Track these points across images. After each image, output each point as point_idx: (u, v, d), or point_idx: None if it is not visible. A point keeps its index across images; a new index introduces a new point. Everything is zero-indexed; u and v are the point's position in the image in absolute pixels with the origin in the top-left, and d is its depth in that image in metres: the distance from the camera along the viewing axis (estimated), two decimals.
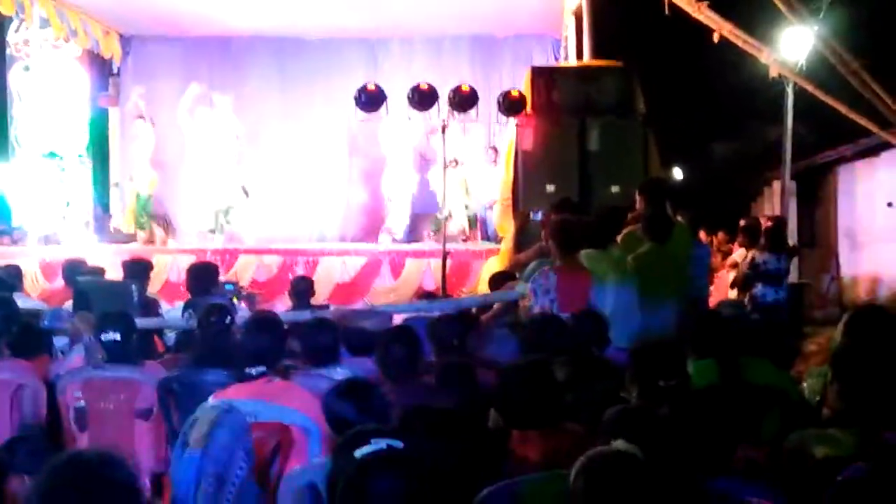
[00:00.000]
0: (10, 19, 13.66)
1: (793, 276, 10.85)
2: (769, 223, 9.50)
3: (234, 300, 8.44)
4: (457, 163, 10.83)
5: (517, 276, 7.28)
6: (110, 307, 6.14)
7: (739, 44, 13.02)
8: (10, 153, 13.86)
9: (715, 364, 4.28)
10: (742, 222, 10.19)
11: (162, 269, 10.59)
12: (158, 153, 14.00)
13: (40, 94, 13.89)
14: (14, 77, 14.51)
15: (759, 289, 8.89)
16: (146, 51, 14.97)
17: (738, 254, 9.91)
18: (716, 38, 12.75)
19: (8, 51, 14.64)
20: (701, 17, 12.69)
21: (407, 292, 10.99)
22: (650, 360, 3.86)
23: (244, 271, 11.27)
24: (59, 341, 6.32)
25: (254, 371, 4.35)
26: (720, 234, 14.05)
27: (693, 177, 17.67)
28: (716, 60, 14.04)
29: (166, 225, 13.58)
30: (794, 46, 12.41)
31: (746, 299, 8.94)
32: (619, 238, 6.57)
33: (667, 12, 13.01)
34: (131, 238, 13.05)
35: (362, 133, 13.52)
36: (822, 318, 13.56)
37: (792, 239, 12.71)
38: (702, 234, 13.45)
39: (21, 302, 6.94)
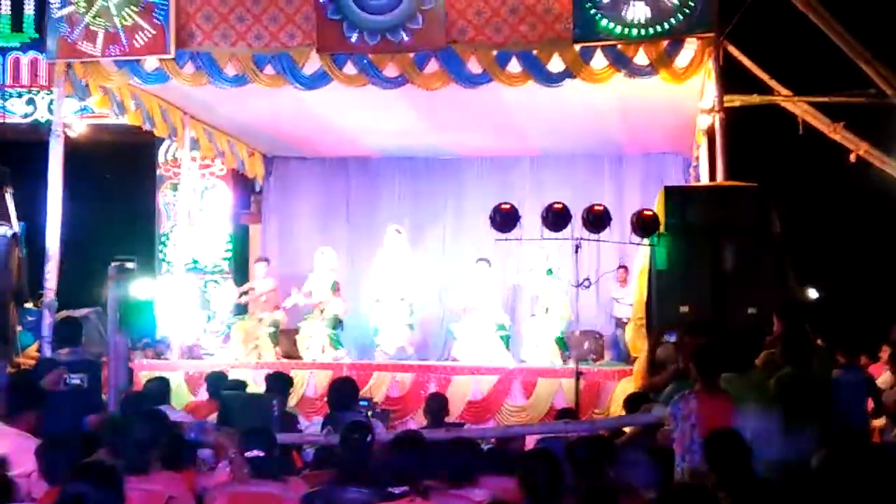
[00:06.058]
0: (161, 141, 14.48)
1: None
2: None
3: (369, 416, 8.56)
4: (590, 282, 10.80)
5: (651, 398, 7.21)
6: (253, 421, 6.32)
7: (876, 163, 12.85)
8: (157, 268, 14.50)
9: None
10: (887, 346, 9.85)
11: (299, 384, 10.79)
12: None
13: (187, 211, 14.53)
14: (163, 195, 15.30)
15: None
16: (288, 170, 15.55)
17: (884, 378, 9.59)
18: (852, 157, 12.64)
19: (158, 171, 15.49)
20: (837, 138, 12.62)
21: (538, 412, 10.93)
22: (802, 495, 3.76)
23: (378, 387, 11.36)
24: (202, 453, 6.50)
25: (396, 490, 4.41)
26: (862, 358, 13.57)
27: (831, 298, 17.20)
28: (853, 180, 13.80)
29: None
30: None
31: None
32: (758, 361, 6.46)
33: (801, 132, 13.00)
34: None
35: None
36: None
37: None
38: (839, 358, 12.99)
39: (168, 414, 7.17)
